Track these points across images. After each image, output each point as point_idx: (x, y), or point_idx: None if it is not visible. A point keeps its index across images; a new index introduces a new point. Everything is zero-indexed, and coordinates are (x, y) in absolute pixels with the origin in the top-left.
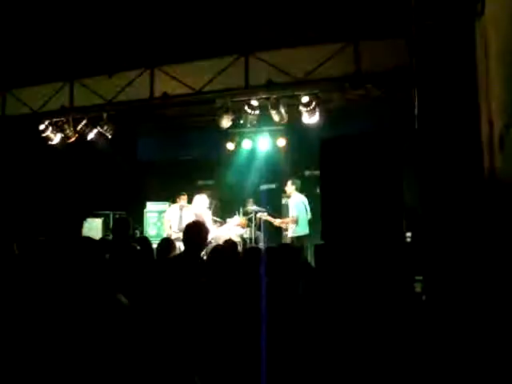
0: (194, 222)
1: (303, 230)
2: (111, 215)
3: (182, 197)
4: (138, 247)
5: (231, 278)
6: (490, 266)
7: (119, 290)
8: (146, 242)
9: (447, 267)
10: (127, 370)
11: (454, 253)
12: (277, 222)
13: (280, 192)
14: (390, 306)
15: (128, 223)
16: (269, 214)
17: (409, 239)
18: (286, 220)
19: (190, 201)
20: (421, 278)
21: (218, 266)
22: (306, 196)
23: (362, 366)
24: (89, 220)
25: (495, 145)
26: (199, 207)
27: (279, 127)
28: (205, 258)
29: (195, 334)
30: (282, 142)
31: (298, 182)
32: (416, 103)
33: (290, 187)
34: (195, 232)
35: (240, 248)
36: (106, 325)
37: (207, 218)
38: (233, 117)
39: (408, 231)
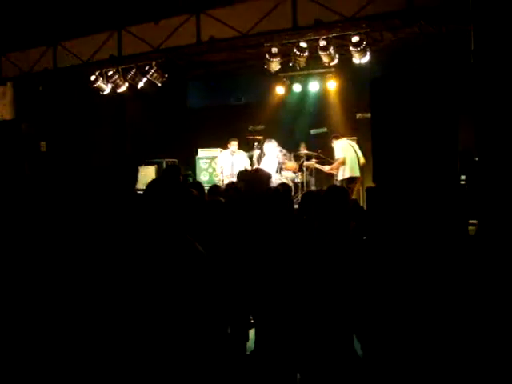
0: (257, 168)
1: (352, 172)
2: (163, 163)
3: (233, 142)
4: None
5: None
6: None
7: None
8: (199, 186)
9: (503, 211)
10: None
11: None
12: (326, 168)
13: (331, 136)
14: (444, 249)
15: (178, 169)
16: (319, 160)
17: (463, 182)
18: (334, 165)
19: (240, 146)
20: (475, 221)
21: (278, 210)
22: (358, 140)
23: (415, 310)
24: (141, 168)
25: None
26: (269, 152)
27: (329, 69)
28: None
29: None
30: (332, 85)
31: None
32: (472, 38)
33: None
34: (257, 178)
35: (292, 192)
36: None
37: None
38: (282, 60)
39: (462, 174)
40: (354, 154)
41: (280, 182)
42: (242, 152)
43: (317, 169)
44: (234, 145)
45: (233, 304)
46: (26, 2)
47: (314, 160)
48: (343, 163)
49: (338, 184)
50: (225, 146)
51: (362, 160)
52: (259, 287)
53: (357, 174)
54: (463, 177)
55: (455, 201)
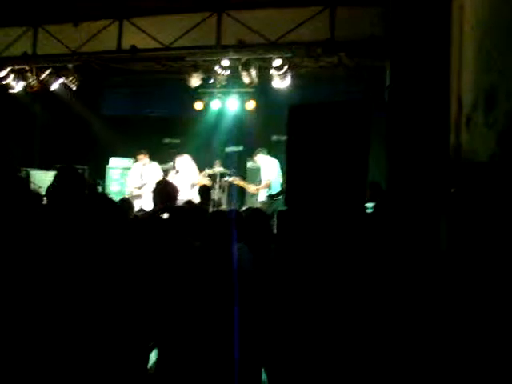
0: (163, 180)
1: (274, 192)
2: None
3: (142, 154)
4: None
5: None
6: (452, 241)
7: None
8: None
9: (409, 241)
10: None
11: (417, 227)
12: (251, 188)
13: (246, 155)
14: (347, 274)
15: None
16: (237, 178)
17: (371, 210)
18: (261, 186)
19: (152, 158)
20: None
21: (183, 229)
22: None
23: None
24: (46, 173)
25: (462, 123)
26: (181, 167)
27: (249, 89)
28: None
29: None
30: (251, 105)
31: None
32: (388, 75)
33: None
34: (163, 191)
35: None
36: None
37: (187, 178)
38: (202, 76)
39: (370, 202)
40: (278, 175)
41: (189, 198)
42: (154, 163)
43: (228, 186)
44: (143, 157)
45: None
46: None
47: (235, 177)
48: (268, 186)
49: (258, 205)
50: (135, 158)
51: (281, 179)
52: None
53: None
54: (371, 205)
55: (360, 228)
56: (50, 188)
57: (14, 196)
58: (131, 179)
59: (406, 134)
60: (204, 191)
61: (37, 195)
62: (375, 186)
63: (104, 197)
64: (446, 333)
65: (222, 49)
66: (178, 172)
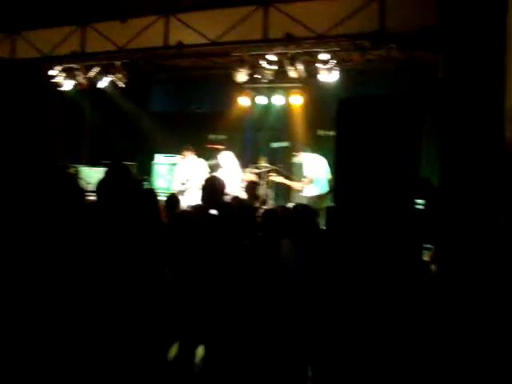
0: (212, 176)
1: (322, 189)
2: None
3: (189, 151)
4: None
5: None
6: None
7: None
8: (151, 194)
9: (462, 238)
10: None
11: (470, 224)
12: (295, 185)
13: (292, 150)
14: (397, 272)
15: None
16: (281, 174)
17: (422, 207)
18: (304, 183)
19: (199, 155)
20: (429, 246)
21: (232, 225)
22: None
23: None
24: (94, 169)
25: None
26: (224, 163)
27: (296, 84)
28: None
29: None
30: (297, 100)
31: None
32: (441, 67)
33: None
34: (212, 187)
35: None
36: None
37: (232, 175)
38: (249, 71)
39: (421, 199)
40: (323, 171)
41: (236, 194)
42: (201, 160)
43: (276, 183)
44: (190, 153)
45: (181, 320)
46: None
47: (279, 175)
48: (312, 181)
49: (304, 201)
50: (181, 154)
51: (330, 176)
52: (209, 305)
53: (325, 190)
54: (422, 201)
55: (410, 225)
56: (100, 184)
57: (61, 192)
58: (178, 175)
59: (460, 128)
60: (251, 188)
61: (82, 191)
62: (425, 181)
63: (150, 193)
64: None
65: (268, 43)
66: (221, 168)
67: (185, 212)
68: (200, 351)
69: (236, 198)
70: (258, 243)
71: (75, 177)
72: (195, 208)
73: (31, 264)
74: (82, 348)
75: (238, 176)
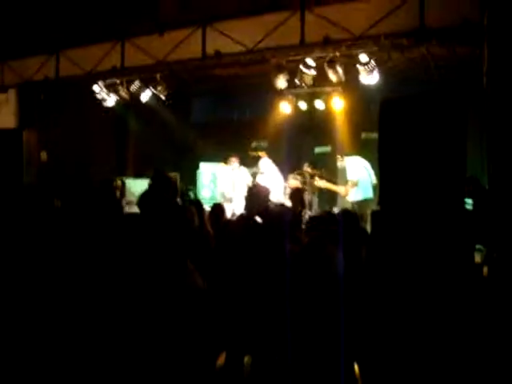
0: (255, 184)
1: (365, 194)
2: None
3: (232, 159)
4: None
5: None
6: None
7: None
8: (198, 205)
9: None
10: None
11: None
12: (339, 190)
13: (335, 155)
14: (448, 275)
15: (166, 181)
16: (324, 178)
17: (470, 207)
18: (347, 188)
19: (241, 162)
20: (481, 247)
21: (274, 233)
22: None
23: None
24: (140, 181)
25: None
26: (264, 169)
27: (336, 88)
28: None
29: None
30: (338, 104)
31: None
32: (485, 61)
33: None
34: (256, 195)
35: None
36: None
37: (273, 180)
38: (288, 77)
39: (469, 198)
40: (367, 175)
41: (279, 201)
42: (242, 168)
43: (320, 188)
44: (233, 161)
45: (228, 329)
46: (28, 10)
47: (323, 180)
48: (356, 185)
49: (347, 206)
50: (225, 162)
51: (375, 181)
52: (257, 313)
53: (369, 195)
54: (470, 201)
55: (461, 226)
56: (143, 196)
57: (103, 206)
58: (222, 184)
59: (509, 125)
60: (296, 194)
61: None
62: (474, 181)
63: (198, 204)
64: None
65: (305, 47)
66: (262, 174)
67: (230, 221)
68: (247, 360)
69: (281, 205)
70: (306, 250)
71: (116, 190)
72: (240, 217)
73: (75, 272)
74: (129, 354)
75: (280, 182)
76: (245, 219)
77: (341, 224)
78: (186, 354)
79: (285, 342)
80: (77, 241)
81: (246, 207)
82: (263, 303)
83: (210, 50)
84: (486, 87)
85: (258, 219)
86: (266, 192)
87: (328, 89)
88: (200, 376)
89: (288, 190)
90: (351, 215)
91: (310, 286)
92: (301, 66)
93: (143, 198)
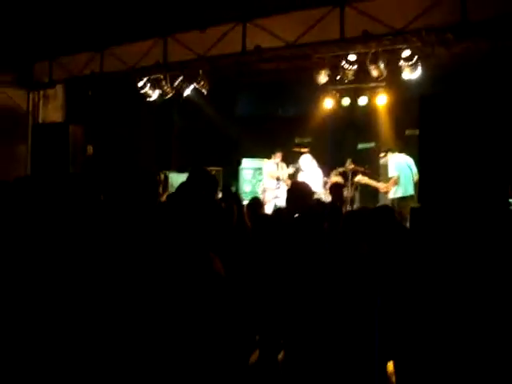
0: (296, 182)
1: (406, 191)
2: None
3: (278, 154)
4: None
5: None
6: None
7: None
8: (237, 198)
9: None
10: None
11: None
12: (380, 186)
13: (379, 151)
14: (491, 278)
15: (205, 175)
16: (367, 175)
17: None
18: (388, 184)
19: (286, 158)
20: None
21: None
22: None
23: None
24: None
25: None
26: (305, 166)
27: (379, 83)
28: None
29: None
30: (382, 100)
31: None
32: None
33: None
34: (297, 193)
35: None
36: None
37: (313, 177)
38: (330, 72)
39: None
40: (409, 172)
41: (319, 196)
42: (283, 164)
43: (362, 184)
44: (278, 156)
45: (259, 324)
46: (74, 9)
47: (366, 176)
48: (396, 182)
49: (388, 203)
50: (269, 157)
51: (417, 178)
52: (290, 310)
53: (410, 193)
54: None
55: (506, 228)
56: (179, 187)
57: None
58: (266, 179)
59: None
60: (336, 189)
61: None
62: None
63: (237, 198)
64: None
65: (346, 42)
66: (302, 171)
67: (266, 215)
68: (280, 357)
69: (318, 201)
70: (336, 247)
71: (160, 184)
72: (278, 211)
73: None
74: (156, 350)
75: (320, 178)
76: (282, 214)
77: (372, 221)
78: (212, 348)
79: (318, 339)
80: (113, 233)
81: (287, 202)
82: (297, 300)
83: (250, 46)
84: None
85: (296, 215)
86: (307, 189)
87: (371, 85)
88: (233, 372)
89: (328, 186)
90: (384, 212)
91: (343, 284)
92: (343, 62)
93: (179, 189)
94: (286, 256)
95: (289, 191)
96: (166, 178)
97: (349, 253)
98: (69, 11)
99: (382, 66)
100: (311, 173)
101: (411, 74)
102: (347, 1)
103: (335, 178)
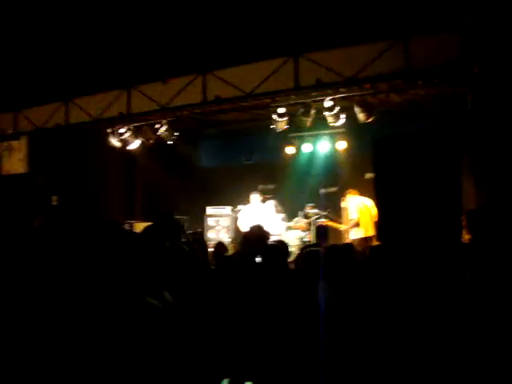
0: (254, 225)
1: (366, 232)
2: None
3: (254, 195)
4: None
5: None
6: None
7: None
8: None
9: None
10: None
11: None
12: (342, 227)
13: (340, 195)
14: (446, 308)
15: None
16: (329, 219)
17: (467, 241)
18: (349, 226)
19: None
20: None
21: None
22: None
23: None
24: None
25: None
26: (269, 210)
27: (338, 130)
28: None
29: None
30: (342, 145)
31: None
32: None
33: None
34: (253, 235)
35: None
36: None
37: (275, 221)
38: (289, 120)
39: (470, 233)
40: (368, 213)
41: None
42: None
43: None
44: (255, 198)
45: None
46: (39, 61)
47: (327, 219)
48: (357, 224)
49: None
50: (245, 202)
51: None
52: (257, 343)
53: (370, 233)
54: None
55: (458, 259)
56: (145, 231)
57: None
58: (242, 221)
59: (496, 156)
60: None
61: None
62: (473, 214)
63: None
64: None
65: (300, 90)
66: (266, 215)
67: (228, 258)
68: None
69: (281, 242)
70: (294, 286)
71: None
72: (236, 254)
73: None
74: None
75: (282, 222)
76: (241, 257)
77: (331, 259)
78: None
79: (284, 371)
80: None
81: (242, 247)
82: (262, 334)
83: (210, 96)
84: (470, 124)
85: (257, 258)
86: (262, 233)
87: (331, 131)
88: None
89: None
90: (340, 250)
91: (298, 318)
92: (300, 110)
93: (144, 232)
94: (249, 295)
95: (244, 236)
96: (131, 227)
97: (306, 292)
98: (34, 63)
99: (337, 112)
100: (274, 217)
101: (365, 119)
102: (301, 52)
103: (299, 223)
